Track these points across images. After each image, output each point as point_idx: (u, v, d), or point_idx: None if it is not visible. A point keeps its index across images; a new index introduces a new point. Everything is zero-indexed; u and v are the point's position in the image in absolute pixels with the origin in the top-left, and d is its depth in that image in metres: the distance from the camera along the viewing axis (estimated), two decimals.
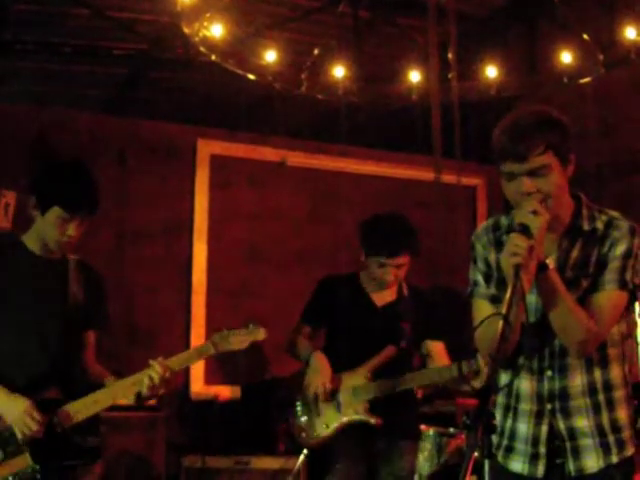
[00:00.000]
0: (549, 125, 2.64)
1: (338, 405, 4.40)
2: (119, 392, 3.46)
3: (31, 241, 3.50)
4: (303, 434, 4.45)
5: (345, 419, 4.38)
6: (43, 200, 3.41)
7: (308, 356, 4.45)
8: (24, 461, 3.28)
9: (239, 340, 3.60)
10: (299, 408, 4.48)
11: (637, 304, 2.92)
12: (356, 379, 4.40)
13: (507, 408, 2.83)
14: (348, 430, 4.39)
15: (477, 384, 4.22)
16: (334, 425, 4.39)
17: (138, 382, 3.42)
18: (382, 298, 4.56)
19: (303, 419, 4.46)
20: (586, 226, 2.74)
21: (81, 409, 3.38)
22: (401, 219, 4.49)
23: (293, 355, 4.64)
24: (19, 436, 3.27)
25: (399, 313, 4.51)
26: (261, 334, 3.64)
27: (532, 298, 2.69)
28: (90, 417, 3.40)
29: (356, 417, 4.37)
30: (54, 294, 3.50)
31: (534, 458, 2.75)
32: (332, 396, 4.39)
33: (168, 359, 3.47)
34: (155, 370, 3.40)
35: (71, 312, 3.50)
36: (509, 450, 2.80)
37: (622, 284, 2.68)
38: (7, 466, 3.27)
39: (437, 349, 4.56)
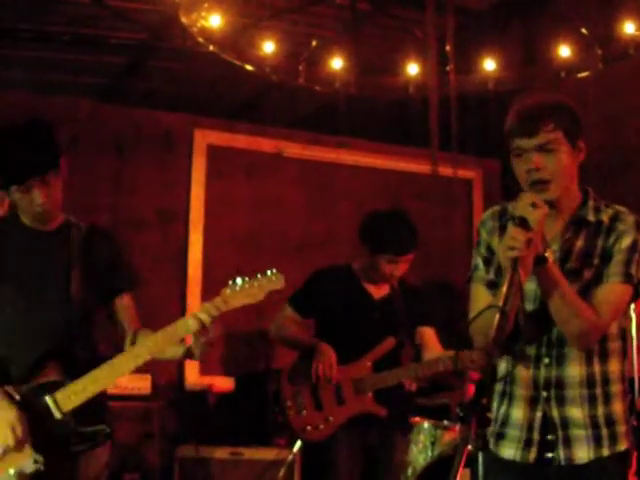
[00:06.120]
0: (560, 108, 2.69)
1: (340, 398, 4.37)
2: (122, 367, 3.22)
3: (24, 218, 3.40)
4: (308, 428, 4.37)
5: (349, 412, 4.35)
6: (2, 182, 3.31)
7: (315, 343, 4.39)
8: (25, 453, 3.09)
9: (255, 291, 3.33)
10: (297, 401, 4.41)
11: None
12: (357, 371, 4.38)
13: (503, 394, 2.83)
14: (346, 423, 4.36)
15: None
16: (339, 418, 4.34)
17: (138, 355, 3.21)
18: (378, 291, 4.56)
19: (304, 412, 4.39)
20: (591, 217, 2.75)
21: (80, 390, 3.15)
22: (406, 216, 4.53)
23: (284, 339, 4.61)
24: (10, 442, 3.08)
25: (394, 305, 4.51)
26: (281, 282, 3.40)
27: (531, 286, 2.70)
28: (91, 398, 3.17)
29: (362, 409, 4.35)
30: (57, 269, 3.36)
31: (527, 444, 2.75)
32: (334, 388, 4.36)
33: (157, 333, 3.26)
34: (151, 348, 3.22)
35: (75, 288, 3.35)
36: (500, 437, 2.80)
37: (627, 278, 2.68)
38: (8, 460, 3.09)
39: (429, 335, 4.58)
